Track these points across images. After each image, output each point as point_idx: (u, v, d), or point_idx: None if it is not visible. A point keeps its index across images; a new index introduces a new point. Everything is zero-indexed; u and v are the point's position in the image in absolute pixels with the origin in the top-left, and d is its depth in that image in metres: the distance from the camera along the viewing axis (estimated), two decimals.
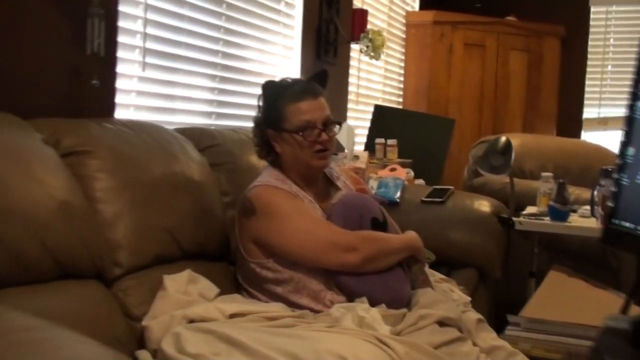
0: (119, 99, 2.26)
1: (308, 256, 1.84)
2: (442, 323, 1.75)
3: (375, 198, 2.14)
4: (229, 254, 2.13)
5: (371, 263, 1.85)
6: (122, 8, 2.22)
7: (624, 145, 1.15)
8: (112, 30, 2.14)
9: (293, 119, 1.92)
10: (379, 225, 1.97)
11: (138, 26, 2.34)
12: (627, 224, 1.11)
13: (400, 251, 1.94)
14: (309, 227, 1.87)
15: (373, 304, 1.80)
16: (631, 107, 1.18)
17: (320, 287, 1.85)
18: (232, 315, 1.66)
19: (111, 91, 2.20)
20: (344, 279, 1.85)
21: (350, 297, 1.84)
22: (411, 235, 2.04)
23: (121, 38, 2.23)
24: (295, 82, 2.04)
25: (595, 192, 2.72)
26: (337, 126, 2.01)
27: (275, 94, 1.98)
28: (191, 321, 1.62)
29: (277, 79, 2.10)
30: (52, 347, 0.85)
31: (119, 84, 2.26)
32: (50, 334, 0.90)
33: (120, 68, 2.25)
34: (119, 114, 2.26)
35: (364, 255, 1.84)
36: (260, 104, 2.01)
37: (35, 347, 0.84)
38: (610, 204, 1.16)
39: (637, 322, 0.97)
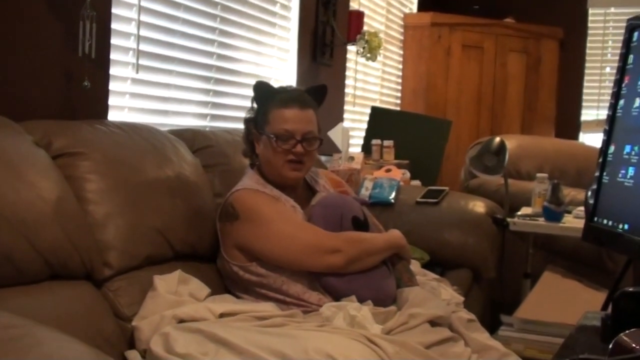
0: (112, 101, 2.27)
1: (292, 260, 1.86)
2: (433, 323, 1.75)
3: (355, 198, 2.15)
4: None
5: (355, 264, 1.86)
6: (115, 10, 2.23)
7: (606, 143, 1.15)
8: (104, 32, 2.15)
9: (274, 124, 1.95)
10: (360, 224, 1.97)
11: (132, 28, 2.34)
12: (607, 222, 1.12)
13: (383, 250, 1.95)
14: (291, 230, 1.87)
15: (359, 302, 1.81)
16: (614, 107, 1.19)
17: (304, 290, 1.86)
18: (222, 315, 1.66)
19: (104, 93, 2.21)
20: (329, 280, 1.86)
21: (336, 298, 1.84)
22: (394, 233, 2.05)
23: (114, 40, 2.24)
24: (288, 89, 2.06)
25: (589, 193, 2.72)
26: (318, 142, 2.00)
27: (266, 96, 2.00)
28: (181, 321, 1.62)
29: (277, 85, 2.13)
30: (33, 344, 0.86)
31: (113, 86, 2.26)
32: (32, 332, 0.91)
33: (113, 70, 2.26)
34: (113, 116, 2.27)
35: (348, 256, 1.85)
36: (254, 103, 2.04)
37: (16, 344, 0.85)
38: (590, 201, 1.16)
39: (605, 317, 0.97)
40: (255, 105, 2.05)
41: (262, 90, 2.03)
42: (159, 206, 1.89)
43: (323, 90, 2.10)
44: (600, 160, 1.16)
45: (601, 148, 1.16)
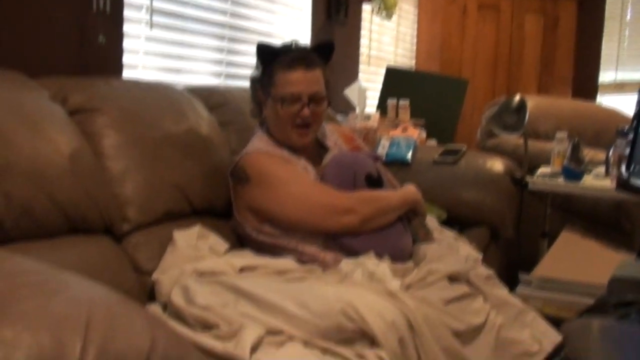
0: (126, 58, 2.24)
1: (305, 221, 1.83)
2: (451, 278, 1.74)
3: (368, 154, 2.09)
4: None
5: (370, 223, 1.83)
6: None
7: None
8: None
9: (280, 88, 1.89)
10: (374, 181, 1.94)
11: None
12: None
13: (398, 207, 1.92)
14: (304, 192, 1.84)
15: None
16: None
17: (319, 250, 1.83)
18: (242, 269, 1.66)
19: (118, 50, 2.19)
20: (344, 239, 1.83)
21: (352, 257, 1.82)
22: (409, 189, 2.01)
23: None
24: (293, 48, 1.98)
25: (611, 153, 2.68)
26: (326, 102, 1.95)
27: (270, 57, 1.94)
28: (201, 275, 1.62)
29: (283, 41, 2.05)
30: (58, 288, 0.85)
31: (127, 43, 2.24)
32: (55, 277, 0.90)
33: (127, 27, 2.23)
34: (127, 73, 2.25)
35: (362, 216, 1.82)
36: (258, 62, 1.98)
37: (40, 288, 0.84)
38: (626, 153, 1.14)
39: None
40: (258, 63, 1.99)
41: (265, 52, 1.96)
42: (176, 162, 1.88)
43: (330, 47, 2.02)
44: (638, 109, 1.13)
45: (638, 100, 1.13)
